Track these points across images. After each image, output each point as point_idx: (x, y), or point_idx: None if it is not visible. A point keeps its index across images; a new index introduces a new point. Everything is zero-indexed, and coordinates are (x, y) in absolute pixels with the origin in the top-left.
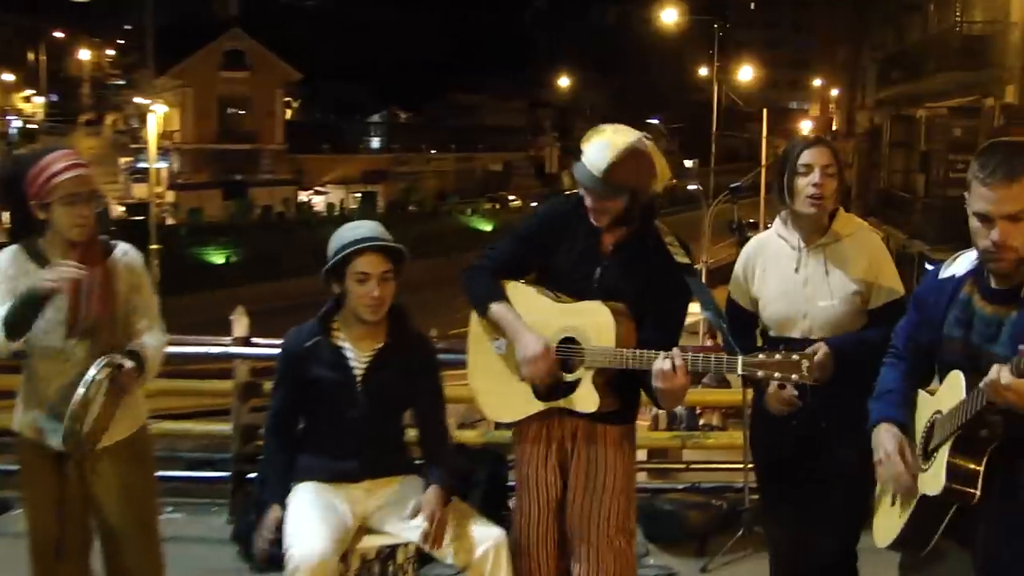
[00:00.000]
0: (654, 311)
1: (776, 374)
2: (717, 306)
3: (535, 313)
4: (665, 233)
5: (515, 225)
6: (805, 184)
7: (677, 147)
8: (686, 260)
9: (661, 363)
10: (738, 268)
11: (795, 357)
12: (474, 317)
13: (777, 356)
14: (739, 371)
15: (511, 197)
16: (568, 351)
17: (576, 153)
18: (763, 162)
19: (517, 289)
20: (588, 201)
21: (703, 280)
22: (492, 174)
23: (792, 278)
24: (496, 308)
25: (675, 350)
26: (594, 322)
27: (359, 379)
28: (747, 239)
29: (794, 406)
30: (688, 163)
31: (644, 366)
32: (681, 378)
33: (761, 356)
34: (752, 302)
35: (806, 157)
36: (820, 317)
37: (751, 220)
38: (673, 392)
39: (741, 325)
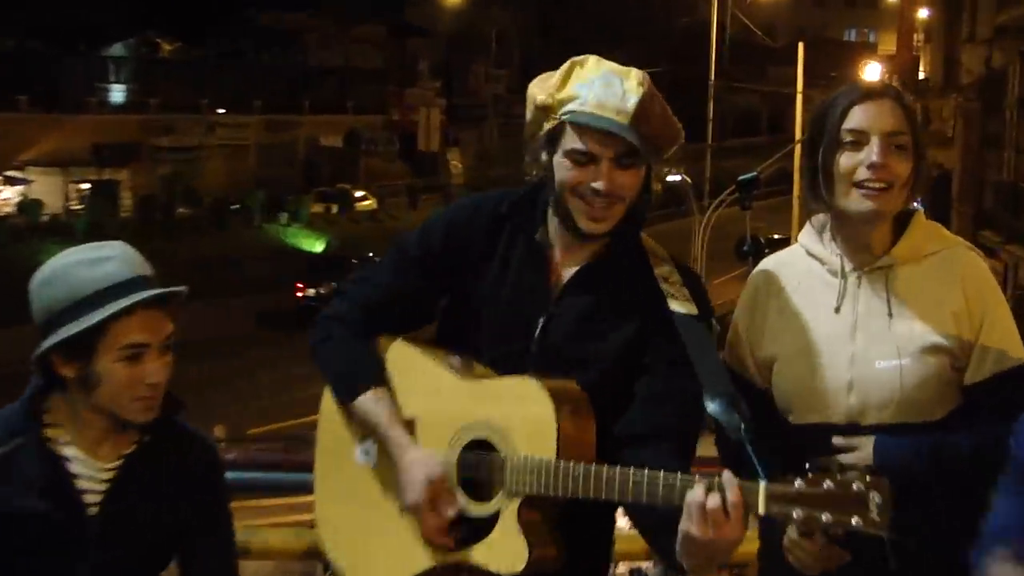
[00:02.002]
0: (646, 401)
1: (825, 516)
2: (732, 394)
3: (426, 396)
4: (655, 255)
5: (400, 241)
6: (853, 164)
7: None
8: (689, 307)
9: (700, 494)
10: (740, 310)
11: (857, 487)
12: (326, 400)
13: (827, 484)
14: (760, 509)
15: (359, 193)
16: (479, 464)
17: (492, 107)
18: (797, 134)
19: (399, 354)
20: (598, 183)
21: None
22: (326, 153)
23: (831, 322)
24: (365, 396)
25: (726, 474)
26: (524, 414)
27: (93, 512)
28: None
29: (841, 561)
30: None
31: (628, 495)
32: (736, 525)
33: (799, 484)
34: (761, 367)
35: (856, 118)
36: (877, 388)
37: (775, 236)
38: (716, 547)
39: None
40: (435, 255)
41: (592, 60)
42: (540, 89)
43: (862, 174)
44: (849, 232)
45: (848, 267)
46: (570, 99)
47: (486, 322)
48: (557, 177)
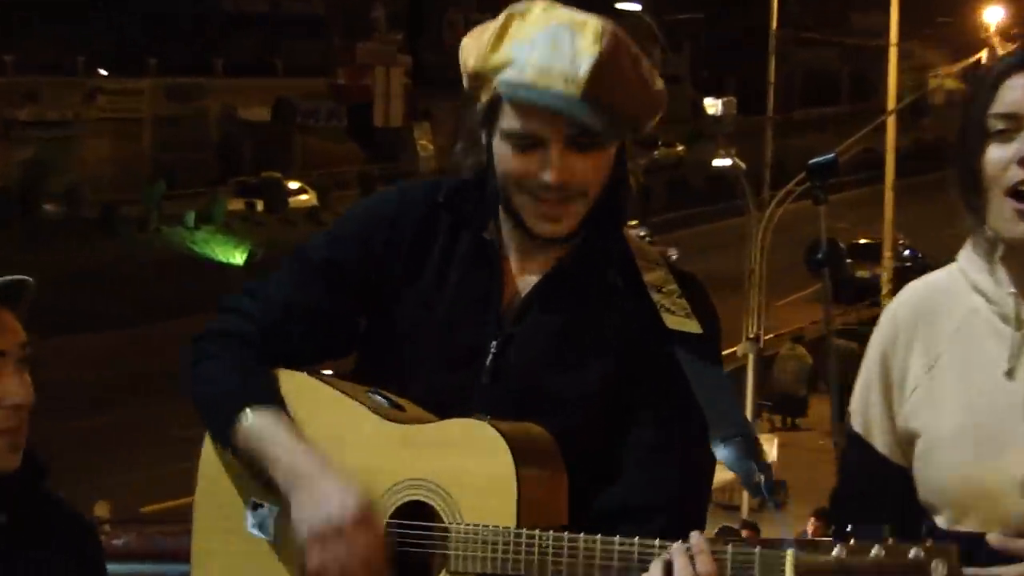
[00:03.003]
0: (635, 458)
1: None
2: (747, 435)
3: (341, 446)
4: (645, 259)
5: (305, 245)
6: (1001, 162)
7: (685, 65)
8: (691, 325)
9: (657, 572)
10: (871, 360)
11: (915, 554)
12: (207, 456)
13: (876, 552)
14: None
15: (294, 185)
16: (413, 535)
17: (438, 71)
18: (890, 102)
19: (301, 389)
20: (546, 173)
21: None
22: (247, 130)
23: (1002, 391)
24: (257, 424)
25: (694, 536)
26: (473, 469)
27: None
28: (868, 287)
29: None
30: (711, 103)
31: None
32: None
33: (839, 550)
34: (900, 441)
35: (1007, 96)
36: None
37: (861, 240)
38: None
39: (876, 498)
40: (350, 261)
41: (537, 9)
42: (472, 48)
43: (1014, 175)
44: (1022, 260)
45: None
46: (505, 64)
47: (420, 347)
48: (498, 167)
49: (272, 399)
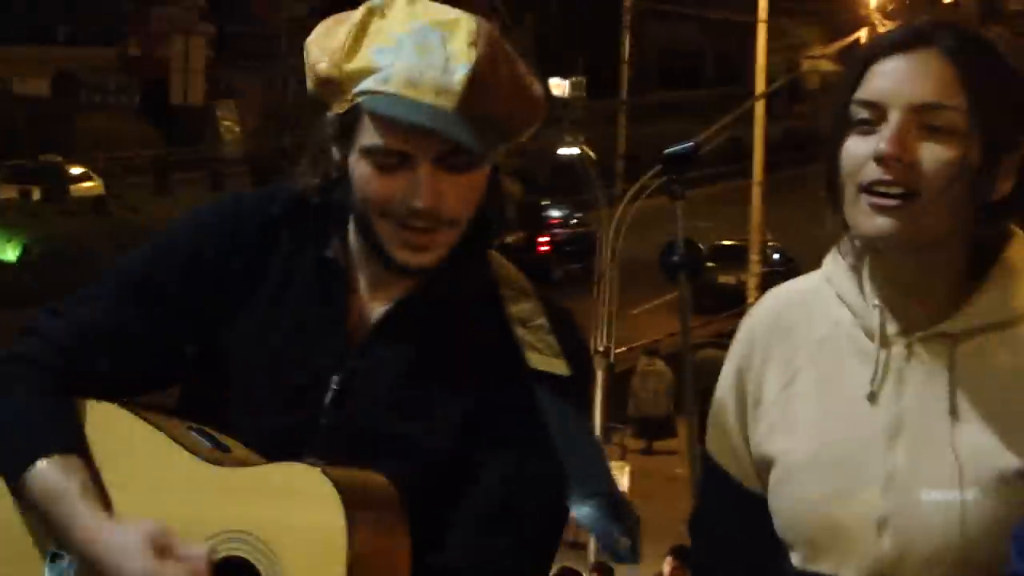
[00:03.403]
0: (477, 516)
1: None
2: (615, 496)
3: (151, 491)
4: (510, 286)
5: (124, 261)
6: (859, 155)
7: (528, 41)
8: (558, 365)
9: None
10: (726, 376)
11: None
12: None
13: None
14: None
15: (77, 170)
16: None
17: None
18: (758, 86)
19: (117, 426)
20: (415, 198)
21: (595, 413)
22: (22, 106)
23: (863, 416)
24: (50, 478)
25: None
26: (299, 521)
27: None
28: (733, 295)
29: None
30: (557, 84)
31: None
32: None
33: None
34: (759, 467)
35: (872, 83)
36: (924, 533)
37: (724, 241)
38: None
39: (734, 532)
40: (174, 280)
41: (399, 4)
42: (322, 49)
43: (869, 172)
44: (888, 270)
45: (892, 329)
46: (365, 72)
47: (251, 380)
48: (356, 188)
49: (69, 445)
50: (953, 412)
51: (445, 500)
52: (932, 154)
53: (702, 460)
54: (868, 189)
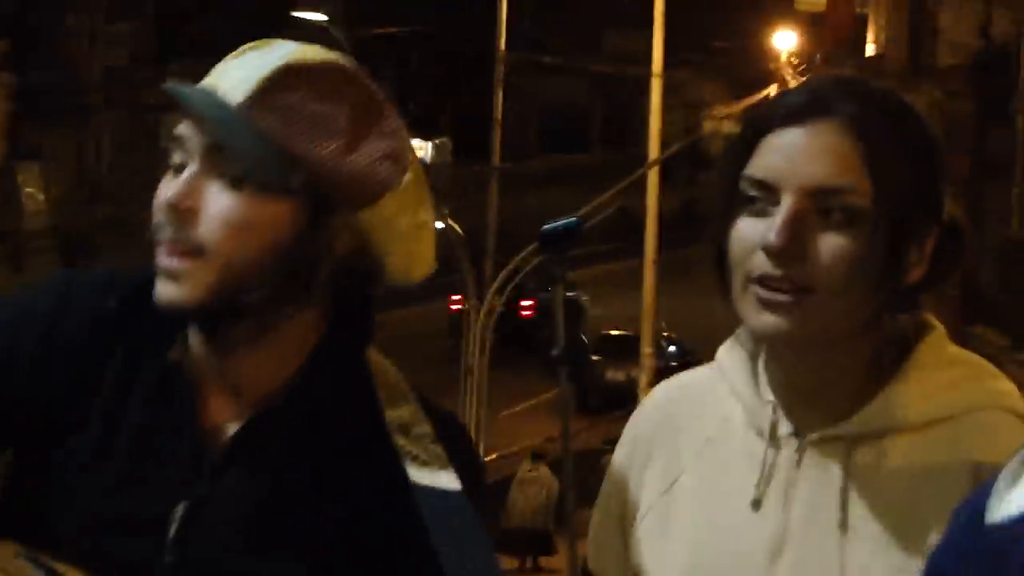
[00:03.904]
0: None
1: None
2: None
3: None
4: (390, 388)
5: None
6: (749, 242)
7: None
8: (446, 479)
9: None
10: (608, 481)
11: None
12: None
13: None
14: None
15: None
16: None
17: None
18: (652, 151)
19: None
20: (166, 194)
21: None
22: None
23: (745, 526)
24: None
25: None
26: None
27: None
28: (623, 393)
29: None
30: (418, 146)
31: None
32: None
33: None
34: None
35: (764, 157)
36: None
37: (612, 331)
38: None
39: None
40: None
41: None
42: None
43: (758, 264)
44: (783, 366)
45: (785, 429)
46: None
47: (88, 506)
48: None
49: None
50: (843, 526)
51: None
52: (829, 246)
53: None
54: (757, 281)
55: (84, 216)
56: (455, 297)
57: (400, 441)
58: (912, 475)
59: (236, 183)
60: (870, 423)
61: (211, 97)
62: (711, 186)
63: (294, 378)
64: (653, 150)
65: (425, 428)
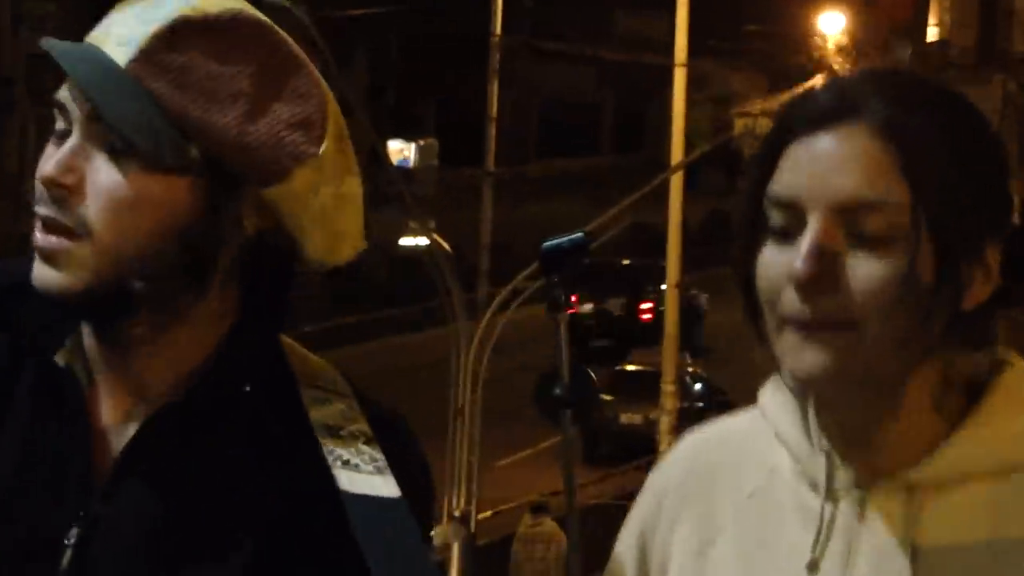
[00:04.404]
0: None
1: None
2: None
3: None
4: (314, 381)
5: None
6: (777, 272)
7: (359, 87)
8: (383, 486)
9: None
10: (624, 542)
11: None
12: None
13: None
14: None
15: None
16: None
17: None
18: (675, 154)
19: None
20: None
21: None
22: None
23: None
24: None
25: None
26: None
27: None
28: (639, 439)
29: None
30: (399, 148)
31: None
32: None
33: None
34: None
35: (787, 173)
36: None
37: (628, 367)
38: None
39: None
40: None
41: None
42: None
43: (789, 302)
44: (836, 409)
45: (843, 479)
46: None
47: None
48: None
49: None
50: None
51: None
52: (865, 272)
53: None
54: (790, 321)
55: (5, 230)
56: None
57: (328, 443)
58: (990, 529)
59: (121, 156)
60: (941, 470)
61: (90, 56)
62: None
63: (197, 373)
64: (676, 153)
65: (359, 426)
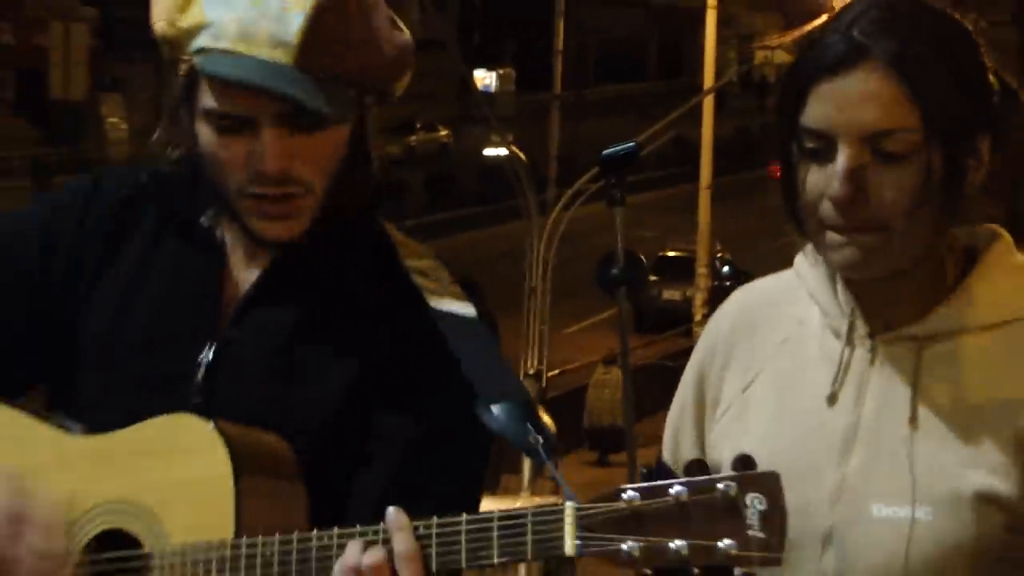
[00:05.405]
0: (391, 478)
1: (676, 544)
2: (523, 394)
3: (23, 475)
4: (409, 248)
5: None
6: (816, 190)
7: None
8: (463, 308)
9: (354, 553)
10: (686, 381)
11: (725, 488)
12: None
13: (677, 491)
14: (567, 546)
15: None
16: (111, 570)
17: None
18: (707, 79)
19: None
20: (261, 163)
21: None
22: None
23: (821, 420)
24: None
25: (390, 512)
26: (180, 474)
27: None
28: (679, 312)
29: None
30: (483, 76)
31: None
32: None
33: (631, 494)
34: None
35: (815, 108)
36: (869, 550)
37: (670, 252)
38: None
39: None
40: (27, 264)
41: None
42: (160, 7)
43: (828, 214)
44: (863, 280)
45: (860, 330)
46: (198, 28)
47: (116, 362)
48: (204, 154)
49: None
50: (913, 421)
51: (343, 463)
52: (892, 183)
53: (656, 468)
54: (830, 227)
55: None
56: None
57: (418, 280)
58: (979, 374)
59: (316, 127)
60: (939, 325)
61: (263, 68)
62: (761, 112)
63: (313, 225)
64: (708, 79)
65: (444, 273)
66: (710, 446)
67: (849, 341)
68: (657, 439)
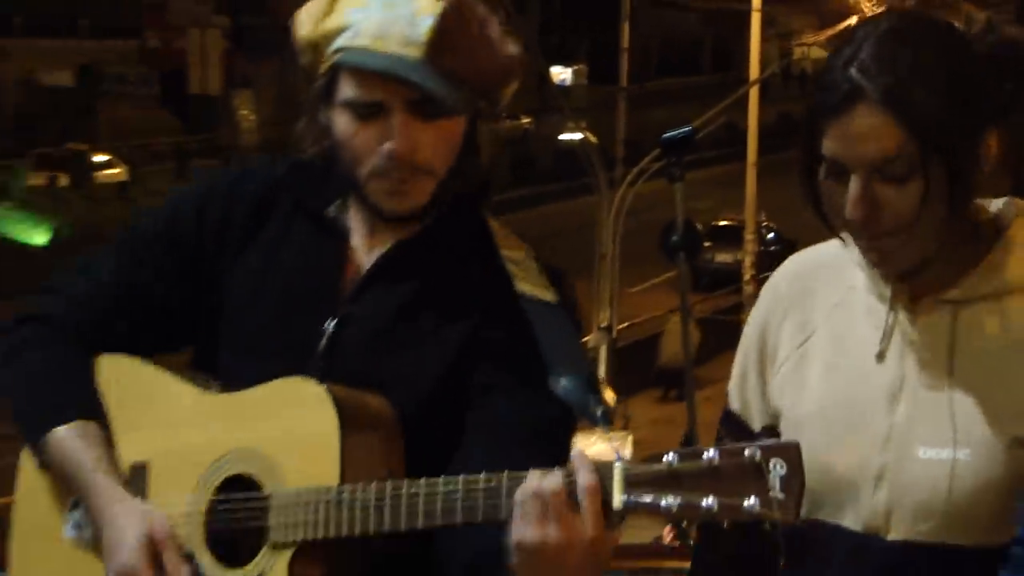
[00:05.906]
0: (484, 437)
1: (708, 500)
2: (589, 369)
3: (163, 427)
4: (505, 238)
5: (136, 220)
6: (840, 204)
7: (532, 29)
8: (546, 295)
9: (533, 482)
10: (749, 334)
11: (750, 454)
12: (25, 457)
13: (710, 455)
14: (616, 500)
15: (102, 157)
16: (235, 511)
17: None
18: (752, 72)
19: (118, 371)
20: (389, 142)
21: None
22: (48, 96)
23: (869, 375)
24: (63, 433)
25: (577, 450)
26: (295, 430)
27: None
28: (729, 274)
29: None
30: (559, 71)
31: (437, 517)
32: (592, 520)
33: (671, 457)
34: (771, 419)
35: (831, 140)
36: (916, 489)
37: (722, 222)
38: (565, 558)
39: None
40: (187, 235)
41: None
42: (305, 18)
43: (851, 225)
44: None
45: (902, 295)
46: (340, 30)
47: (249, 329)
48: (340, 141)
49: (86, 412)
50: (951, 375)
51: (444, 428)
52: (902, 198)
53: (723, 417)
54: (853, 234)
55: (287, 132)
56: None
57: (510, 266)
58: (1009, 332)
59: (436, 117)
60: (972, 290)
61: (404, 64)
62: (799, 100)
63: (425, 216)
64: (753, 72)
65: (533, 264)
66: (771, 394)
67: (893, 305)
68: (712, 381)
